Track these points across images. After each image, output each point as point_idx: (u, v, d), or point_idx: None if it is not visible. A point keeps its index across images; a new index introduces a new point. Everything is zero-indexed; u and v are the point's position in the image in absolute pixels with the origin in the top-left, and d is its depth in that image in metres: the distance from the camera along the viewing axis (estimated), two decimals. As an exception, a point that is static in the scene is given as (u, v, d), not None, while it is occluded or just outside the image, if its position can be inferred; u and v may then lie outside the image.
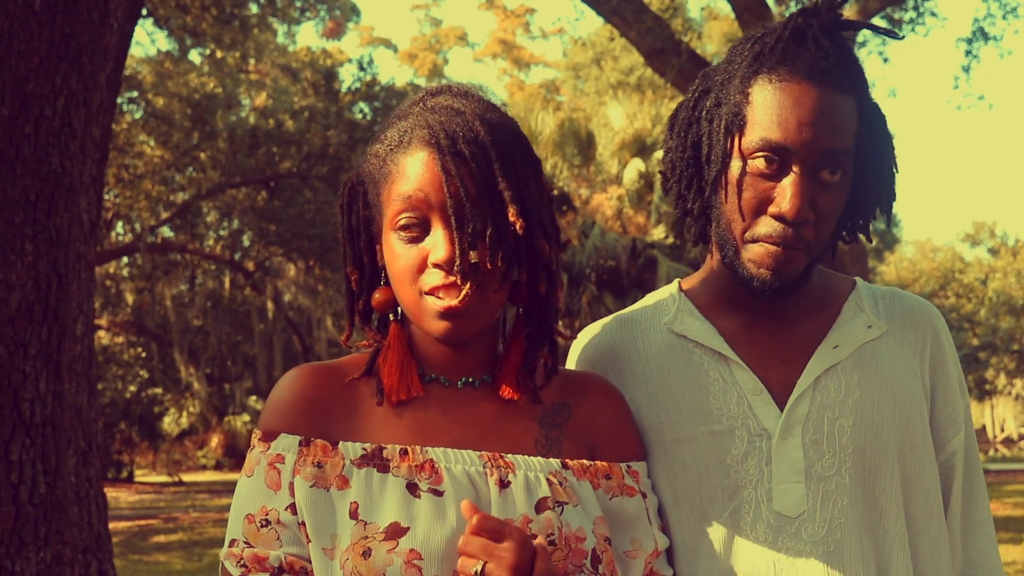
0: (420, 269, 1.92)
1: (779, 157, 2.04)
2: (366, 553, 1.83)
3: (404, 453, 1.93)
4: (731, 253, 2.12)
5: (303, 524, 1.91)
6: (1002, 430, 69.21)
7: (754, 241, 2.08)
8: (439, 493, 1.89)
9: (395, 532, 1.84)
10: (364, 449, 1.94)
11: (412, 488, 1.89)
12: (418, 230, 1.92)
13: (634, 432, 2.13)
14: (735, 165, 2.09)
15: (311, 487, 1.91)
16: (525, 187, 1.97)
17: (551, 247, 2.01)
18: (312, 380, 2.01)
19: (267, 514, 1.92)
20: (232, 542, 1.94)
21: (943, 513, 2.21)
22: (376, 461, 1.92)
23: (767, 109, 2.05)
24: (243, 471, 1.99)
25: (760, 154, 2.05)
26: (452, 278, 1.89)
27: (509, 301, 2.02)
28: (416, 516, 1.86)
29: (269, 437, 1.97)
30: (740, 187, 2.08)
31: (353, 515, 1.88)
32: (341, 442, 1.95)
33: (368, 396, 2.02)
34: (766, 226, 2.06)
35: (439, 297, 1.90)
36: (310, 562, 1.91)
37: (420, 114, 1.98)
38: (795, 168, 2.03)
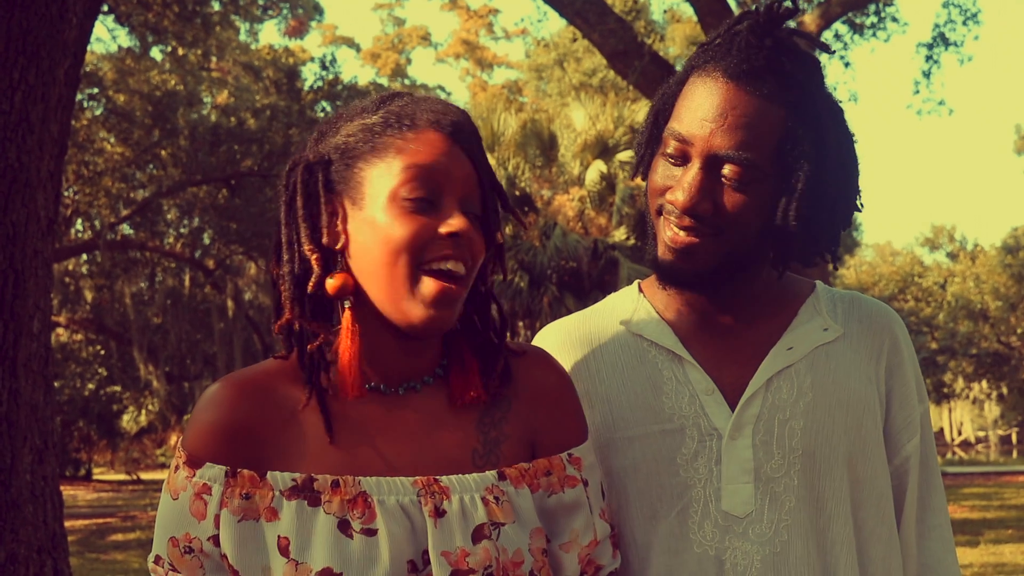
0: (425, 242, 1.86)
1: (683, 148, 2.10)
2: None
3: (336, 486, 1.85)
4: (650, 232, 2.20)
5: (226, 557, 1.86)
6: (959, 433, 69.80)
7: (660, 213, 2.14)
8: (372, 532, 1.82)
9: None
10: (294, 480, 1.86)
11: (344, 527, 1.83)
12: (427, 204, 1.87)
13: (577, 411, 2.08)
14: (656, 151, 2.18)
15: (239, 521, 1.85)
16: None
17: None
18: (236, 402, 1.90)
19: (191, 542, 1.87)
20: (157, 559, 1.91)
21: (896, 518, 2.22)
22: (307, 493, 1.85)
23: (685, 102, 2.12)
24: (167, 488, 1.92)
25: (670, 143, 2.11)
26: (459, 251, 1.86)
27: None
28: (349, 561, 1.80)
29: (194, 463, 1.88)
30: (653, 171, 2.16)
31: (284, 551, 1.82)
32: (269, 472, 1.87)
33: (296, 412, 1.92)
34: (668, 205, 2.12)
35: (443, 271, 1.85)
36: None
37: (413, 100, 1.96)
38: (695, 161, 2.09)
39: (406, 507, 1.85)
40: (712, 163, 2.07)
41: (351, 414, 1.92)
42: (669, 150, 2.12)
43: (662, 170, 2.14)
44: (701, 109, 2.08)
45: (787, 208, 2.13)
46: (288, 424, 1.91)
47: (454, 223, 1.85)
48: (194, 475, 1.88)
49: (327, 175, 1.95)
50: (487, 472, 1.93)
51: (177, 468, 1.91)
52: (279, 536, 1.83)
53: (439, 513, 1.85)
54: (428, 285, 1.85)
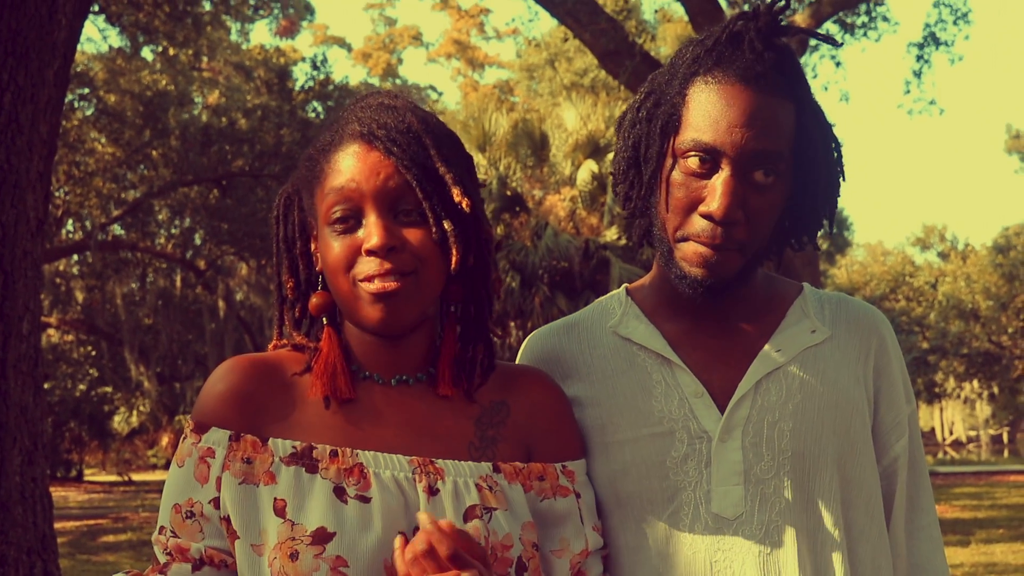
0: (353, 258, 1.93)
1: (711, 158, 2.06)
2: (293, 555, 1.84)
3: (334, 455, 1.93)
4: (666, 252, 2.15)
5: (226, 519, 1.93)
6: (951, 433, 69.96)
7: (685, 240, 2.10)
8: (366, 500, 1.89)
9: (322, 537, 1.85)
10: (294, 447, 1.94)
11: (339, 492, 1.89)
12: (352, 221, 1.94)
13: (573, 430, 2.13)
14: (668, 164, 2.12)
15: (239, 484, 1.92)
16: (464, 173, 2.00)
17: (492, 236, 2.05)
18: (246, 373, 2.00)
19: (192, 506, 1.95)
20: (161, 529, 1.98)
21: (885, 518, 2.22)
22: (305, 460, 1.93)
23: (700, 111, 2.08)
24: (175, 458, 2.00)
25: (692, 154, 2.07)
26: (387, 264, 1.91)
27: (442, 299, 2.04)
28: (343, 522, 1.86)
29: (201, 429, 1.97)
30: (673, 186, 2.11)
31: (280, 512, 1.88)
32: (271, 439, 1.95)
33: (302, 392, 2.01)
34: (697, 224, 2.08)
35: (372, 282, 1.91)
36: (231, 556, 1.93)
37: (351, 112, 2.02)
38: (725, 169, 2.05)
39: (400, 482, 1.92)
40: (744, 169, 2.06)
41: (350, 399, 2.01)
42: (692, 162, 2.08)
43: (685, 184, 2.09)
44: (726, 117, 2.05)
45: (806, 198, 2.17)
46: (292, 400, 2.01)
47: (371, 240, 1.92)
48: (200, 440, 1.97)
49: (300, 203, 2.10)
50: (483, 463, 1.99)
51: (184, 438, 2.00)
52: (276, 498, 1.90)
53: (432, 491, 1.92)
54: (366, 289, 1.93)
